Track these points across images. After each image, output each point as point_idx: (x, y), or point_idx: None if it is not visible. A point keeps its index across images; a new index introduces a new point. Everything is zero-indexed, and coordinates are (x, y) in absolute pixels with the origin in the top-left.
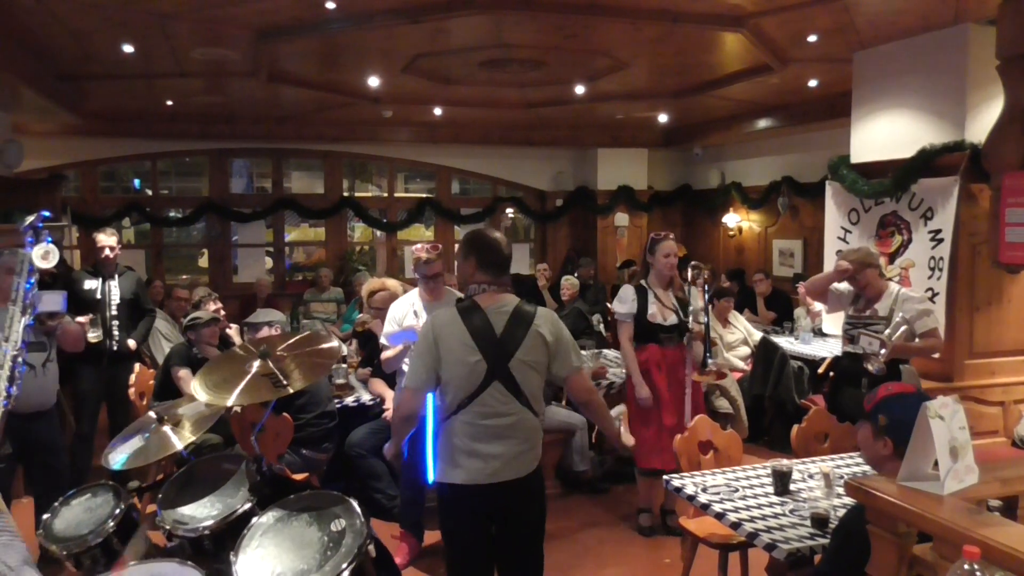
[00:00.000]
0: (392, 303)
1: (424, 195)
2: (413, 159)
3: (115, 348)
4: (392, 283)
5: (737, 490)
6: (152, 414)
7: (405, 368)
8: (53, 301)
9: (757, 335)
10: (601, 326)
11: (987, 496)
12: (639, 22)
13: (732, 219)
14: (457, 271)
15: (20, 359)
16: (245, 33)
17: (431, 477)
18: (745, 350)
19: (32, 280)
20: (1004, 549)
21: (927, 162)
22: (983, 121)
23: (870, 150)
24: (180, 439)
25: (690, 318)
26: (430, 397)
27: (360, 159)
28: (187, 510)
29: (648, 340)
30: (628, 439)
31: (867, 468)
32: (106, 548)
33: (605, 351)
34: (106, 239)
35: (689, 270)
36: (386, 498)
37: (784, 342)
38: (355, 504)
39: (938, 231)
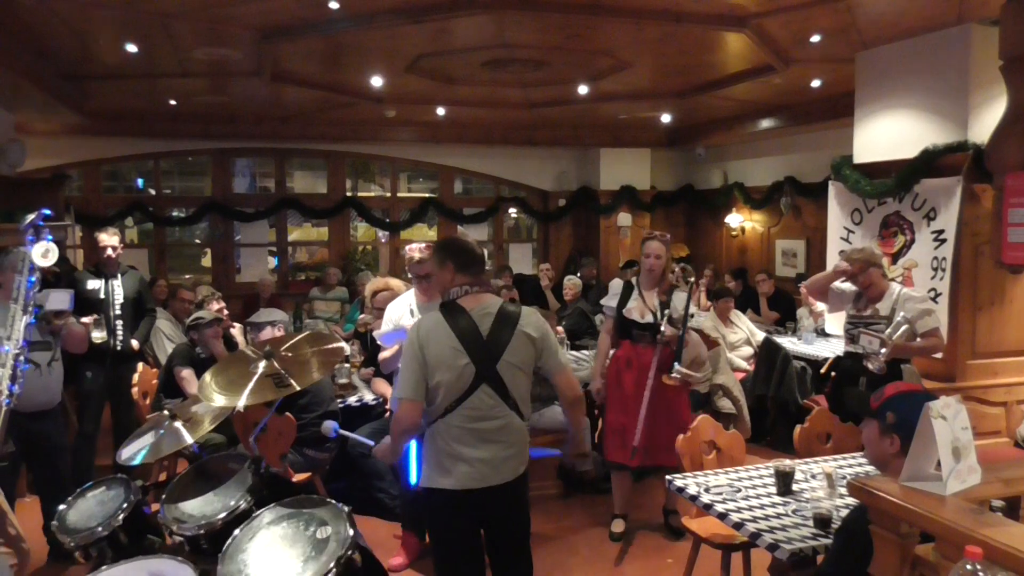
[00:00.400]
0: (388, 306)
1: (427, 195)
2: (416, 159)
3: (119, 348)
4: (395, 283)
5: (740, 490)
6: (166, 411)
7: None
8: (60, 300)
9: (760, 335)
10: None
11: (989, 496)
12: (642, 22)
13: (735, 219)
14: (435, 281)
15: (22, 357)
16: (248, 33)
17: (413, 479)
18: (748, 350)
19: (33, 278)
20: (1006, 549)
21: (930, 162)
22: (986, 121)
23: (873, 150)
24: (191, 435)
25: (663, 320)
26: None
27: (363, 159)
28: (188, 508)
29: (624, 336)
30: (582, 449)
31: (869, 468)
32: (113, 541)
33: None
34: (108, 239)
35: (677, 272)
36: (388, 497)
37: (787, 342)
38: (345, 511)
39: (941, 231)
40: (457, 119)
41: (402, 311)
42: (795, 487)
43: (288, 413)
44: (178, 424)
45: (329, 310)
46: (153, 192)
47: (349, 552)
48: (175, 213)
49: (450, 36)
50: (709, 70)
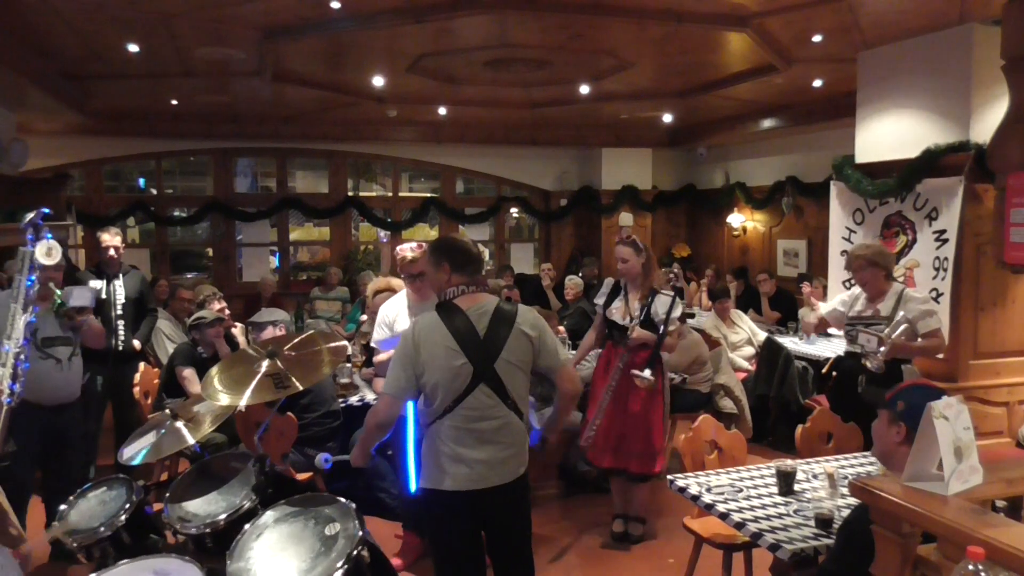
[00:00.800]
0: (381, 307)
1: (428, 195)
2: (417, 159)
3: (120, 348)
4: (397, 283)
5: (741, 490)
6: (168, 411)
7: None
8: (83, 296)
9: (761, 335)
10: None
11: (992, 496)
12: (643, 22)
13: (736, 219)
14: (430, 282)
15: (22, 356)
16: (250, 32)
17: (413, 487)
18: (749, 350)
19: (33, 277)
20: (1008, 550)
21: (932, 162)
22: (988, 121)
23: (875, 150)
24: (193, 435)
25: (633, 322)
26: (409, 405)
27: (364, 159)
28: (192, 507)
29: (609, 336)
30: (554, 434)
31: (871, 468)
32: (115, 541)
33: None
34: (110, 239)
35: (664, 273)
36: (390, 497)
37: (788, 342)
38: (353, 508)
39: (943, 231)
40: (459, 119)
41: (396, 312)
42: (797, 487)
43: (290, 413)
44: (180, 424)
45: (330, 310)
46: (155, 192)
47: (359, 549)
48: (177, 213)
49: (452, 36)
50: (711, 70)
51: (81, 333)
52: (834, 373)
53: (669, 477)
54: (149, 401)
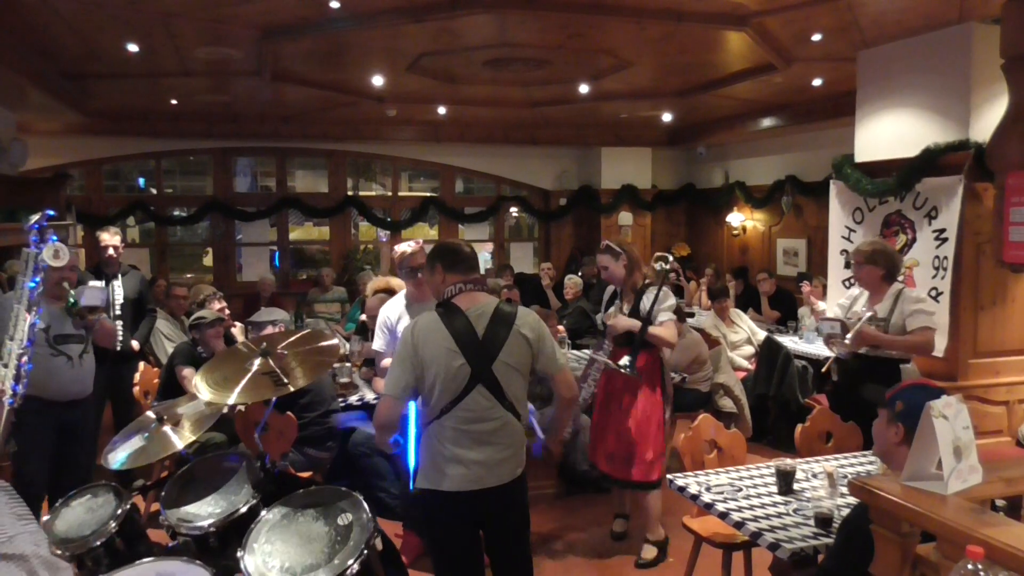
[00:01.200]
0: (380, 308)
1: (428, 194)
2: (417, 158)
3: (119, 348)
4: (397, 282)
5: (740, 489)
6: (151, 414)
7: None
8: (96, 296)
9: (761, 334)
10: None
11: (991, 496)
12: (643, 21)
13: (736, 218)
14: (430, 287)
15: (25, 358)
16: (249, 32)
17: (413, 486)
18: (749, 349)
19: (37, 279)
20: (1007, 549)
21: (931, 161)
22: (987, 120)
23: (874, 149)
24: (180, 439)
25: (607, 315)
26: (411, 404)
27: (364, 158)
28: (191, 508)
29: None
30: (558, 442)
31: (871, 467)
32: (109, 548)
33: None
34: (109, 238)
35: (651, 268)
36: (390, 497)
37: (788, 341)
38: (361, 499)
39: (942, 230)
40: (458, 118)
41: (397, 314)
42: (796, 486)
43: (289, 412)
44: (166, 428)
45: (328, 311)
46: (154, 191)
47: (375, 535)
48: (176, 212)
49: (451, 35)
50: (710, 69)
51: (93, 332)
52: (833, 374)
53: (668, 476)
54: (149, 401)
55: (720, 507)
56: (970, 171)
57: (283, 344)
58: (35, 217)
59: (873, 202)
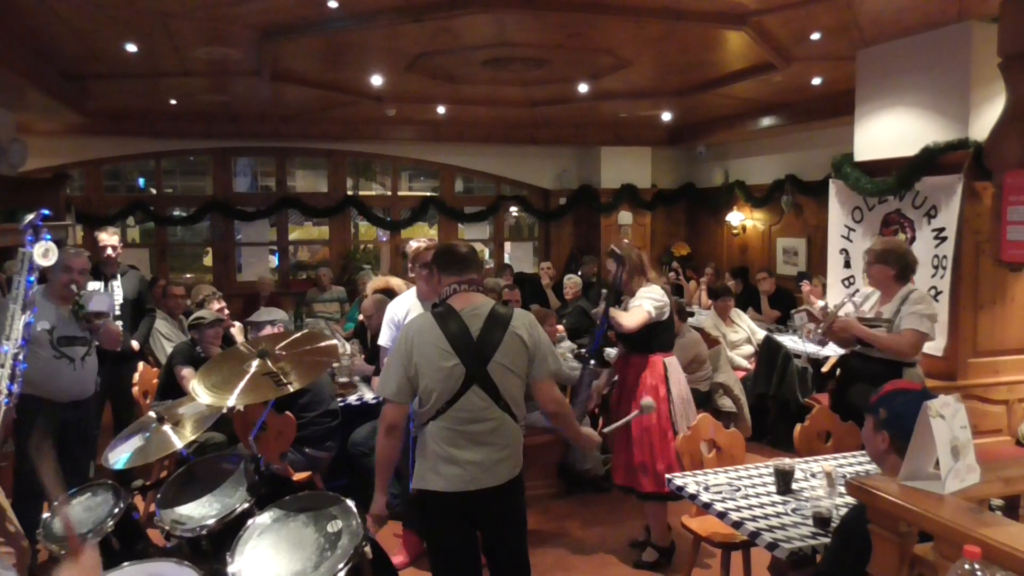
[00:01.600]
0: (388, 304)
1: (428, 194)
2: (417, 158)
3: (119, 348)
4: (396, 282)
5: (739, 489)
6: (152, 414)
7: None
8: (103, 302)
9: (760, 334)
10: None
11: (989, 495)
12: (642, 20)
13: (736, 217)
14: (434, 291)
15: (20, 356)
16: (248, 32)
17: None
18: (749, 349)
19: (32, 278)
20: (1005, 549)
21: (930, 160)
22: (987, 119)
23: (874, 148)
24: (180, 439)
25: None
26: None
27: (364, 158)
28: (185, 510)
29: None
30: (589, 433)
31: (869, 467)
32: (105, 547)
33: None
34: (108, 238)
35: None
36: (389, 496)
37: (788, 341)
38: (352, 505)
39: (941, 229)
40: (458, 118)
41: (406, 310)
42: (795, 486)
43: (288, 412)
44: (166, 427)
45: (327, 310)
46: (154, 191)
47: (364, 543)
48: (176, 212)
49: (451, 35)
50: (710, 68)
51: (97, 335)
52: (837, 371)
53: (668, 476)
54: (148, 401)
55: (719, 507)
56: (969, 170)
57: (281, 345)
58: (30, 217)
59: (872, 201)
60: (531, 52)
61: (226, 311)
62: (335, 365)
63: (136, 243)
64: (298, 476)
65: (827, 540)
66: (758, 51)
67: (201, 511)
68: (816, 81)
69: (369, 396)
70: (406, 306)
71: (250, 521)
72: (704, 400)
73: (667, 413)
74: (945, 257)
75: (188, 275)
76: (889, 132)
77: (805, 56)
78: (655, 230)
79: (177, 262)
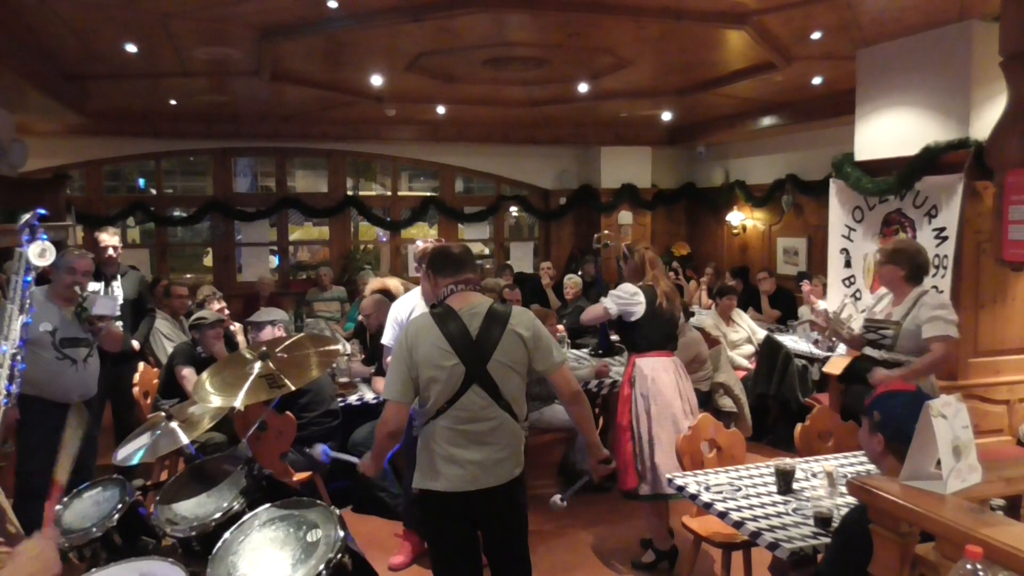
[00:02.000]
0: (392, 304)
1: (428, 194)
2: (417, 157)
3: (119, 350)
4: (393, 283)
5: (740, 489)
6: (162, 413)
7: None
8: (107, 306)
9: (761, 333)
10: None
11: (990, 495)
12: (642, 20)
13: (736, 217)
14: (429, 294)
15: (19, 357)
16: (248, 32)
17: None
18: (749, 348)
19: (29, 278)
20: (1007, 549)
21: (931, 159)
22: (988, 118)
23: (874, 148)
24: (188, 436)
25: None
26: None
27: (364, 158)
28: (181, 509)
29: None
30: (601, 455)
31: (870, 467)
32: (106, 542)
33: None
34: (109, 239)
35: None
36: (389, 496)
37: (788, 340)
38: (336, 514)
39: (942, 229)
40: (458, 118)
41: (409, 309)
42: (796, 486)
43: (288, 412)
44: (175, 425)
45: (328, 310)
46: (154, 192)
47: (339, 556)
48: (176, 213)
49: (450, 34)
50: (710, 68)
51: (100, 337)
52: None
53: (668, 476)
54: (148, 401)
55: (719, 507)
56: (970, 169)
57: (282, 347)
58: (26, 216)
59: (873, 201)
60: (531, 52)
61: (226, 311)
62: (335, 365)
63: (136, 243)
64: (298, 476)
65: (828, 540)
66: (758, 50)
67: (195, 511)
68: (817, 80)
69: (369, 396)
70: (410, 306)
71: (235, 525)
72: (705, 400)
73: (627, 414)
74: (946, 257)
75: (188, 275)
76: (890, 131)
77: (806, 55)
78: (655, 230)
79: (177, 262)
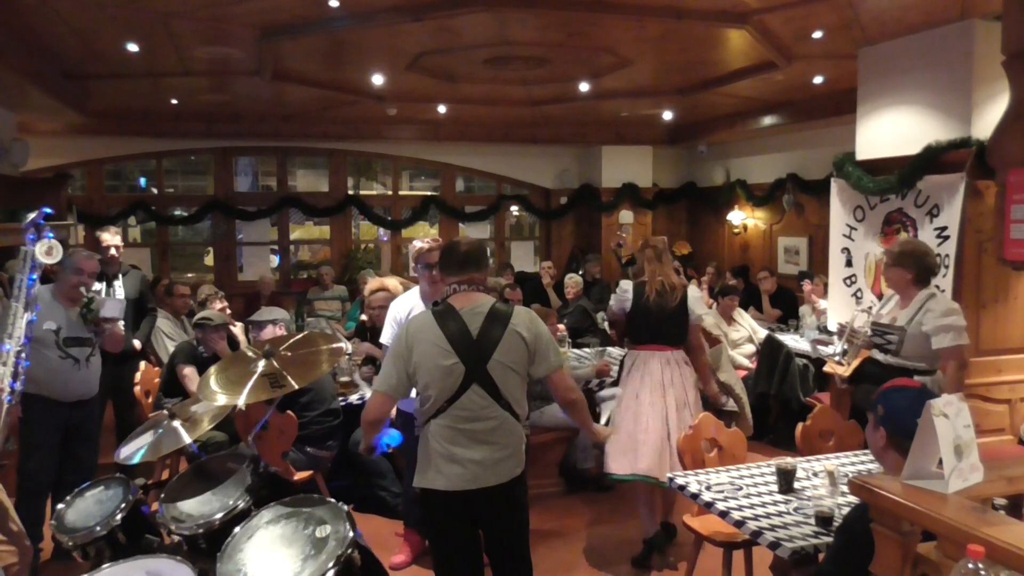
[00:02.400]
0: (392, 302)
1: (429, 193)
2: (417, 157)
3: (120, 350)
4: (392, 283)
5: (741, 488)
6: (165, 411)
7: None
8: (115, 308)
9: (762, 333)
10: (606, 324)
11: (992, 495)
12: (643, 19)
13: (737, 216)
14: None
15: (23, 355)
16: (249, 31)
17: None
18: (750, 348)
19: (34, 276)
20: (1008, 548)
21: (933, 159)
22: (989, 117)
23: (875, 147)
24: (190, 435)
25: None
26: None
27: (365, 157)
28: (186, 507)
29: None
30: (599, 439)
31: (872, 466)
32: (111, 540)
33: (609, 348)
34: (110, 238)
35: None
36: (390, 495)
37: (789, 340)
38: (344, 511)
39: (944, 228)
40: (459, 117)
41: (408, 308)
42: (797, 485)
43: (290, 411)
44: (177, 424)
45: (329, 309)
46: (155, 191)
47: (348, 551)
48: (177, 212)
49: (451, 34)
50: (711, 67)
51: (103, 337)
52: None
53: (668, 475)
54: (150, 400)
55: (720, 506)
56: (972, 168)
57: (285, 346)
58: (32, 215)
59: (874, 200)
60: (532, 51)
61: (227, 310)
62: (336, 364)
63: (137, 243)
64: (300, 475)
65: (829, 539)
66: (759, 50)
67: (201, 509)
68: (818, 80)
69: (370, 395)
70: (409, 305)
71: (243, 523)
72: (705, 399)
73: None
74: (947, 256)
75: (189, 275)
76: (891, 131)
77: (807, 55)
78: (656, 229)
79: (178, 262)
